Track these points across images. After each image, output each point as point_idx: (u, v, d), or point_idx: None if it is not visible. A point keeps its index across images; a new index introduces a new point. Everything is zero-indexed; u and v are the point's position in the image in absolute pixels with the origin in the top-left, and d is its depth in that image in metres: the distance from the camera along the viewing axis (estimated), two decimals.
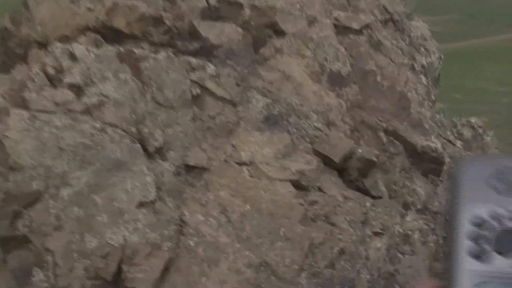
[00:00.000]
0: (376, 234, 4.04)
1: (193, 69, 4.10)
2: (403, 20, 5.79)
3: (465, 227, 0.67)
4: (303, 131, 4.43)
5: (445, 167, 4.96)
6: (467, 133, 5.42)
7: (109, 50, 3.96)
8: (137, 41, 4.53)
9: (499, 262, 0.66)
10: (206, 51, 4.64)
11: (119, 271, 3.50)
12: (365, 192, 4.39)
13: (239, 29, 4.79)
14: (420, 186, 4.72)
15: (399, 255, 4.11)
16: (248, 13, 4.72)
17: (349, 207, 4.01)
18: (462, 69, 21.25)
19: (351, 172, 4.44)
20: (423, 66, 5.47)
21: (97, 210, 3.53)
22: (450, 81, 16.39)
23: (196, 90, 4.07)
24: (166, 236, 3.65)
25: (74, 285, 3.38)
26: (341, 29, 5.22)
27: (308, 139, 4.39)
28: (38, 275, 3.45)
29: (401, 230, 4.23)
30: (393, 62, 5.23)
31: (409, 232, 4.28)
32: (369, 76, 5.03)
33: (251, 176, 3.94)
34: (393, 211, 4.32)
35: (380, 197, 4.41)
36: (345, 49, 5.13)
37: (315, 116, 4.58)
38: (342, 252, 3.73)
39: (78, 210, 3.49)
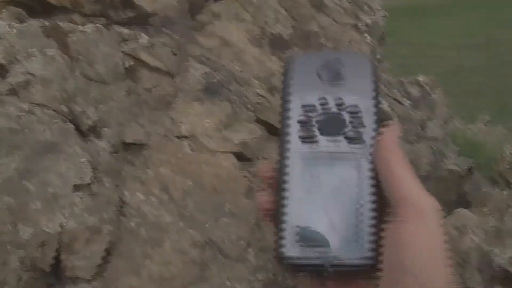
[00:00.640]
0: None
1: (124, 40, 3.88)
2: None
3: (296, 113, 0.76)
4: (245, 99, 4.26)
5: None
6: (414, 91, 5.32)
7: (33, 24, 3.71)
8: (66, 13, 4.28)
9: (323, 142, 0.75)
10: (141, 20, 4.42)
11: (57, 260, 3.32)
12: None
13: None
14: None
15: None
16: None
17: None
18: (410, 24, 21.31)
19: None
20: (367, 25, 5.33)
21: (30, 197, 3.32)
22: (397, 36, 16.40)
23: (129, 63, 3.86)
24: (106, 219, 3.47)
25: (9, 279, 3.19)
26: None
27: (250, 107, 4.23)
28: None
29: None
30: (336, 22, 5.08)
31: None
32: (312, 38, 4.87)
33: (192, 150, 3.77)
34: None
35: None
36: (286, 11, 4.95)
37: (257, 82, 4.42)
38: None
39: (8, 199, 3.27)
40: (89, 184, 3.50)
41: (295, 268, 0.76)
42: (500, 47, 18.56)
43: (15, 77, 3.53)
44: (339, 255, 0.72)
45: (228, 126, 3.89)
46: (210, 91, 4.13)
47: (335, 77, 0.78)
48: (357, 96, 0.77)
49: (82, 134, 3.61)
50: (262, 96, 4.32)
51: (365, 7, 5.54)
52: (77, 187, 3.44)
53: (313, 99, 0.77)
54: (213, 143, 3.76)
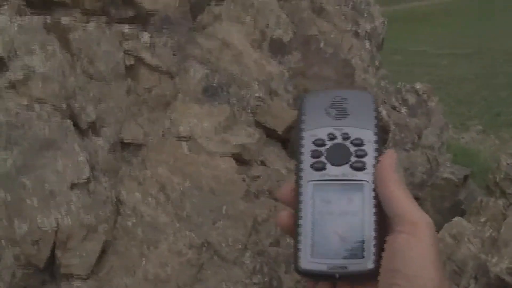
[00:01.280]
0: None
1: (126, 39, 3.86)
2: None
3: (309, 147, 0.89)
4: (244, 102, 4.26)
5: (390, 135, 4.87)
6: (411, 99, 5.34)
7: (35, 20, 3.68)
8: (67, 9, 4.25)
9: (332, 171, 0.87)
10: (141, 19, 4.40)
11: (52, 257, 3.30)
12: None
13: None
14: None
15: None
16: None
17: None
18: (403, 31, 21.38)
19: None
20: (367, 32, 5.34)
21: (26, 193, 3.30)
22: (390, 44, 16.45)
23: (130, 62, 3.84)
24: (102, 218, 3.45)
25: (4, 274, 3.17)
26: None
27: (249, 110, 4.23)
28: None
29: None
30: (336, 28, 5.08)
31: None
32: (312, 43, 4.87)
33: (191, 151, 3.76)
34: None
35: None
36: (287, 16, 4.95)
37: (256, 85, 4.41)
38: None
39: (5, 194, 3.25)
40: (86, 182, 3.48)
41: (309, 277, 0.89)
42: (492, 57, 18.64)
43: (15, 72, 3.50)
44: (347, 267, 0.85)
45: (227, 128, 3.88)
46: (210, 93, 4.12)
47: (341, 113, 0.91)
48: (360, 129, 0.90)
49: (81, 132, 3.60)
50: (261, 99, 4.31)
51: (366, 13, 5.55)
52: (74, 185, 3.41)
53: (323, 134, 0.90)
54: (212, 145, 3.75)
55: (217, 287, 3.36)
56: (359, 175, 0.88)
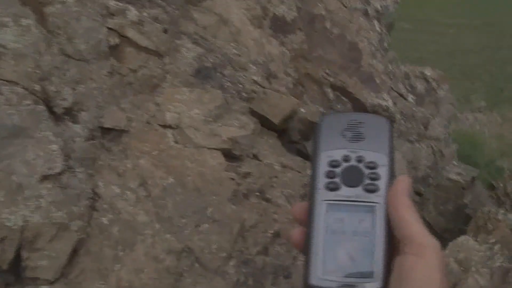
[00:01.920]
0: None
1: (111, 14, 3.48)
2: None
3: (324, 168, 0.92)
4: (240, 85, 3.91)
5: (395, 125, 4.53)
6: (420, 86, 4.98)
7: None
8: None
9: (346, 192, 0.90)
10: None
11: (18, 258, 2.98)
12: (307, 156, 3.94)
13: None
14: None
15: None
16: None
17: (287, 178, 3.56)
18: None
19: (291, 134, 3.97)
20: (377, 11, 4.95)
21: None
22: (398, 11, 15.98)
23: (115, 40, 3.47)
24: (76, 214, 3.13)
25: None
26: None
27: (245, 95, 3.88)
28: None
29: None
30: (344, 6, 4.69)
31: None
32: (317, 22, 4.49)
33: (176, 142, 3.42)
34: None
35: None
36: None
37: (254, 68, 4.05)
38: (277, 235, 3.28)
39: None
40: (59, 174, 3.14)
41: None
42: (501, 30, 18.17)
43: None
44: (356, 286, 0.85)
45: (218, 118, 3.53)
46: (202, 75, 3.76)
47: (357, 136, 0.93)
48: (375, 152, 0.91)
49: (56, 117, 3.25)
50: (258, 84, 3.96)
51: None
52: (45, 177, 3.08)
53: (338, 156, 0.92)
54: (200, 137, 3.41)
55: None
56: (372, 197, 0.89)
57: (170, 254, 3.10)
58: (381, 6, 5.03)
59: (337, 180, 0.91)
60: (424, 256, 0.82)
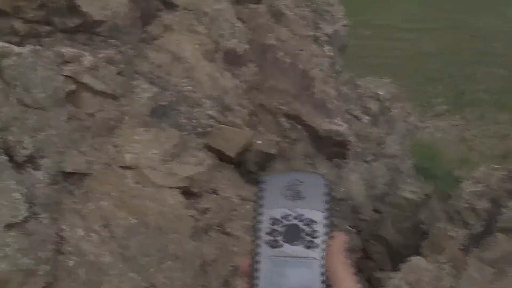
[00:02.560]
0: None
1: (66, 62, 3.60)
2: None
3: (265, 226, 0.95)
4: (195, 121, 4.05)
5: (350, 148, 4.70)
6: (374, 106, 5.15)
7: None
8: (8, 19, 4.00)
9: (286, 249, 0.94)
10: (88, 27, 4.14)
11: None
12: None
13: (126, 0, 4.29)
14: (325, 173, 4.45)
15: None
16: None
17: (245, 210, 3.71)
18: (373, 4, 21.16)
19: (248, 165, 4.12)
20: (328, 35, 5.13)
21: None
22: (359, 17, 16.22)
23: (71, 86, 3.59)
24: (42, 259, 3.24)
25: None
26: None
27: (201, 129, 4.02)
28: None
29: None
30: (295, 34, 4.86)
31: None
32: (269, 52, 4.65)
33: (136, 183, 3.55)
34: None
35: None
36: (243, 22, 4.71)
37: (209, 102, 4.20)
38: (237, 267, 3.42)
39: None
40: (24, 221, 3.25)
41: None
42: (459, 33, 18.51)
43: None
44: None
45: (176, 156, 3.67)
46: (158, 114, 3.90)
47: (296, 195, 0.98)
48: (313, 211, 0.97)
49: (18, 165, 3.35)
50: (213, 118, 4.11)
51: (327, 15, 5.33)
52: (10, 226, 3.18)
53: (278, 215, 0.96)
54: (159, 177, 3.54)
55: None
56: (311, 253, 0.95)
57: None
58: (332, 30, 5.21)
59: (278, 238, 0.96)
60: None
